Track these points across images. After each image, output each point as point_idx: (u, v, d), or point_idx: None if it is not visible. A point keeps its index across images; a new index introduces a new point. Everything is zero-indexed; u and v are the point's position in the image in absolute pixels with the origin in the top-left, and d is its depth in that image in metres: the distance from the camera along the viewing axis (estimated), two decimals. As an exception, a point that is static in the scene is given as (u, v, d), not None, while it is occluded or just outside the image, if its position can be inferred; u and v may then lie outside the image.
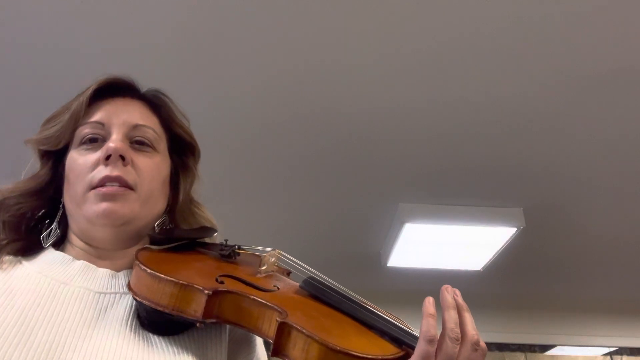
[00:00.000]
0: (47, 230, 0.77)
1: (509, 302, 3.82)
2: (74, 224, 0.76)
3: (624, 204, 2.66)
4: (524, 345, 3.91)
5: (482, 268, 3.18)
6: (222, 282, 0.66)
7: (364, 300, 0.71)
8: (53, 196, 0.79)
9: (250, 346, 0.79)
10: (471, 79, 1.90)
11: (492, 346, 3.84)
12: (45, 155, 0.79)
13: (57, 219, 0.77)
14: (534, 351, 3.94)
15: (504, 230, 2.73)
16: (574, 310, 3.88)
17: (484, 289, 3.56)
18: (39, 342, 0.61)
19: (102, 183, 0.71)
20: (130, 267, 0.74)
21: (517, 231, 2.71)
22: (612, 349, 3.94)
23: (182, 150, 0.87)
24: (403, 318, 0.71)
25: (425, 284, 3.43)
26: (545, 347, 3.96)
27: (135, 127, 0.77)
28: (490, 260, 3.05)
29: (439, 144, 2.25)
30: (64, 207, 0.77)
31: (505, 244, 2.84)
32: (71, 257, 0.73)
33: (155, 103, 0.84)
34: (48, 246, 0.76)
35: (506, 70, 1.85)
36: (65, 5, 1.61)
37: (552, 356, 4.00)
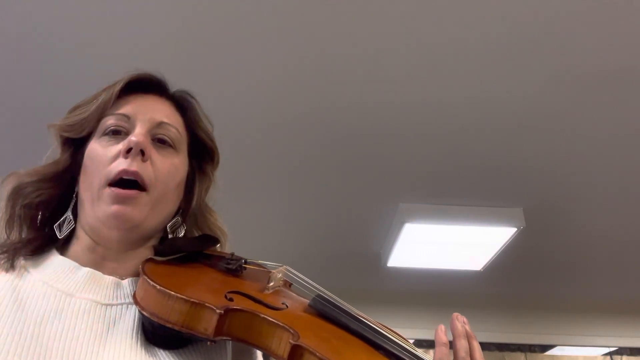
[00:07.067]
0: (60, 220, 0.76)
1: (509, 302, 3.82)
2: (84, 217, 0.75)
3: (624, 203, 2.66)
4: (524, 345, 3.91)
5: (482, 268, 3.18)
6: (231, 300, 0.65)
7: (371, 320, 0.72)
8: (68, 186, 0.78)
9: (252, 357, 0.79)
10: (471, 79, 1.89)
11: (492, 346, 3.84)
12: (66, 142, 0.79)
13: (70, 209, 0.77)
14: (534, 351, 3.94)
15: (504, 230, 2.73)
16: (574, 310, 3.88)
17: (484, 289, 3.57)
18: (54, 359, 0.60)
19: (119, 177, 0.71)
20: (135, 272, 0.73)
21: (517, 231, 2.71)
22: (612, 349, 3.94)
23: (201, 155, 0.86)
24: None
25: (425, 284, 3.45)
26: (545, 347, 3.96)
27: (160, 124, 0.77)
28: (490, 260, 3.05)
29: (439, 143, 2.25)
30: (76, 197, 0.77)
31: (505, 244, 2.84)
32: (76, 264, 0.72)
33: (182, 104, 0.84)
34: (52, 249, 0.75)
35: (506, 70, 1.85)
36: (70, 3, 1.61)
37: (552, 356, 4.00)
